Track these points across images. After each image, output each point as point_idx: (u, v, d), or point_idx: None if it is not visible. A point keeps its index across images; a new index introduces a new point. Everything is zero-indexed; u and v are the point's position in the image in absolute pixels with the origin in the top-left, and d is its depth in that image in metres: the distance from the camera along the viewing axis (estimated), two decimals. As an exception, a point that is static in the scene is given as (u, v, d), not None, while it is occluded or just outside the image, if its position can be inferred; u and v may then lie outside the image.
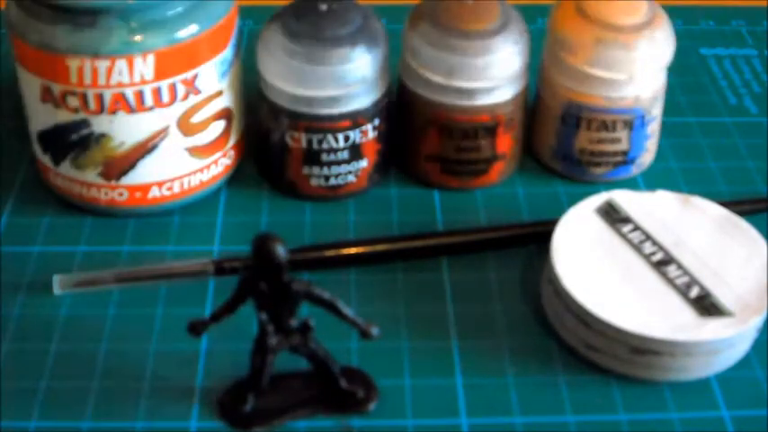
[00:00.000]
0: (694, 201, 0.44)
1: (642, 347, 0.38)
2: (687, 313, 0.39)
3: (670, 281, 0.40)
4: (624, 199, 0.44)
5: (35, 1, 0.41)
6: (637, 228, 0.42)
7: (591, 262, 0.41)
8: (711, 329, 0.38)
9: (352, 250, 0.44)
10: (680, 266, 0.41)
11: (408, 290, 0.44)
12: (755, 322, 0.39)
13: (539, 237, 0.46)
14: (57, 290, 0.42)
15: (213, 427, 0.38)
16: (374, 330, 0.36)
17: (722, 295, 0.40)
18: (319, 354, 0.37)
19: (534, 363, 0.40)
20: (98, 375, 0.39)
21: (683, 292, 0.40)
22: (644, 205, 0.43)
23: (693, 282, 0.40)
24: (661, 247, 0.42)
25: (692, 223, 0.43)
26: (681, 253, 0.42)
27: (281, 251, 0.34)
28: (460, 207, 0.48)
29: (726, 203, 0.46)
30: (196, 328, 0.37)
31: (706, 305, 0.39)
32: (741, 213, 0.46)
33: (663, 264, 0.41)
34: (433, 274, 0.44)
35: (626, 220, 0.43)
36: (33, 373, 0.39)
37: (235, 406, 0.38)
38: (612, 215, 0.43)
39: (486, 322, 0.42)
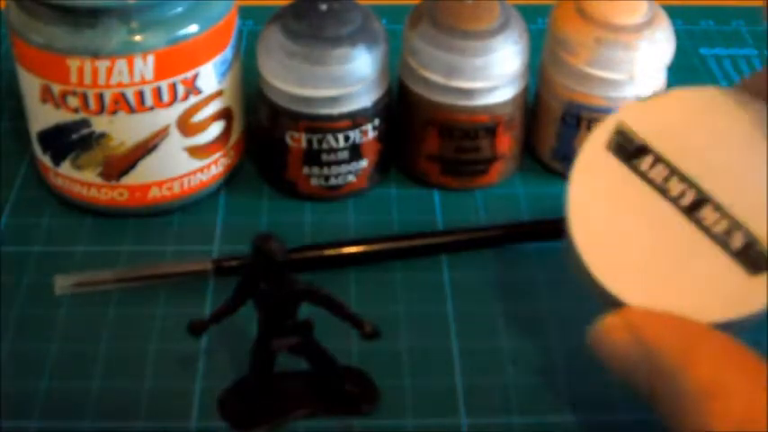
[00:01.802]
0: (711, 94, 0.35)
1: None
2: (733, 275, 0.32)
3: (707, 230, 0.33)
4: (636, 118, 0.35)
5: (35, 1, 0.41)
6: (657, 160, 0.34)
7: (616, 230, 0.34)
8: (761, 295, 0.31)
9: (352, 250, 0.44)
10: (717, 206, 0.33)
11: (408, 290, 0.44)
12: None
13: (539, 236, 0.46)
14: (57, 290, 0.42)
15: (213, 428, 0.38)
16: (374, 330, 0.36)
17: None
18: (319, 354, 0.37)
19: (534, 363, 0.40)
20: (98, 375, 0.39)
21: (723, 242, 0.32)
22: (661, 119, 0.35)
23: (734, 225, 0.32)
24: (690, 183, 0.33)
25: (726, 130, 0.34)
26: (715, 183, 0.33)
27: (280, 251, 0.34)
28: (460, 207, 0.48)
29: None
30: (196, 328, 0.37)
31: (753, 257, 0.32)
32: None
33: (695, 207, 0.33)
34: (432, 273, 0.44)
35: (642, 150, 0.34)
36: (33, 373, 0.39)
37: (235, 406, 0.38)
38: (627, 147, 0.35)
39: (486, 322, 0.42)
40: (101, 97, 0.42)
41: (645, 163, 0.34)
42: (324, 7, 0.45)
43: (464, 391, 0.39)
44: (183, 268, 0.43)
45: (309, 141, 0.46)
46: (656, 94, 0.36)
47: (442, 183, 0.49)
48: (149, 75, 0.42)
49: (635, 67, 0.46)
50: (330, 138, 0.46)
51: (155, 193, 0.46)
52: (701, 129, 0.35)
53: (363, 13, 0.46)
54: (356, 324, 0.36)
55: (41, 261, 0.44)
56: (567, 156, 0.49)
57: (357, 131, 0.46)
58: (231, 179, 0.49)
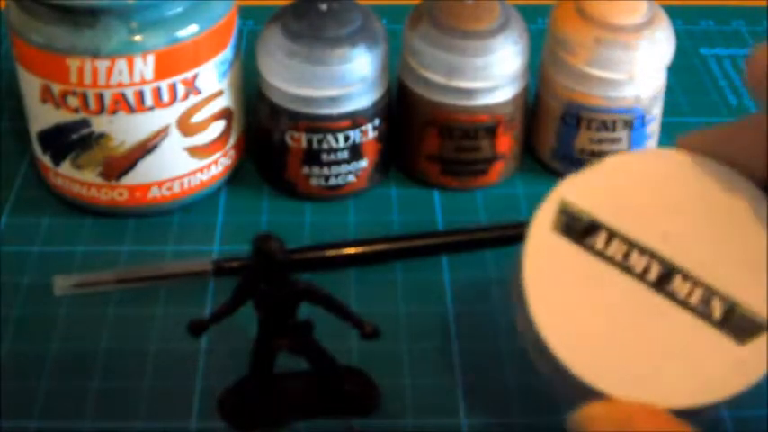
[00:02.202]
0: (648, 157, 0.33)
1: (683, 415, 0.29)
2: (723, 347, 0.29)
3: (683, 302, 0.30)
4: (579, 192, 0.32)
5: (35, 1, 0.41)
6: (611, 235, 0.31)
7: (583, 316, 0.31)
8: (757, 362, 0.29)
9: (352, 250, 0.44)
10: (685, 275, 0.31)
11: (408, 290, 0.44)
12: None
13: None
14: (57, 290, 0.42)
15: (213, 427, 0.38)
16: (374, 330, 0.36)
17: (750, 296, 0.30)
18: (319, 354, 0.37)
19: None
20: (98, 375, 0.39)
21: (703, 313, 0.30)
22: (604, 190, 0.32)
23: (709, 292, 0.30)
24: (652, 254, 0.31)
25: (666, 190, 0.32)
26: (676, 250, 0.31)
27: (281, 251, 0.34)
28: (460, 207, 0.48)
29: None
30: (196, 328, 0.37)
31: (737, 322, 0.30)
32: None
33: (664, 280, 0.31)
34: (433, 274, 0.44)
35: (593, 228, 0.32)
36: (33, 373, 0.39)
37: (235, 406, 0.38)
38: (575, 227, 0.32)
39: (485, 322, 0.42)
40: (101, 97, 0.42)
41: (599, 241, 0.32)
42: (324, 7, 0.45)
43: (464, 391, 0.39)
44: (183, 269, 0.43)
45: (309, 141, 0.46)
46: (593, 164, 0.33)
47: (442, 183, 0.49)
48: (149, 75, 0.42)
49: (635, 67, 0.46)
50: (330, 138, 0.46)
51: (155, 193, 0.46)
52: (647, 195, 0.32)
53: (363, 13, 0.46)
54: (356, 324, 0.36)
55: (41, 261, 0.44)
56: (566, 156, 0.49)
57: (357, 131, 0.46)
58: (231, 179, 0.49)
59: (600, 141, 0.48)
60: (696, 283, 0.31)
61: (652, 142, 0.50)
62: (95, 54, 0.41)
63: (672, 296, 0.30)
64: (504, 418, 0.38)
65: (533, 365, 0.32)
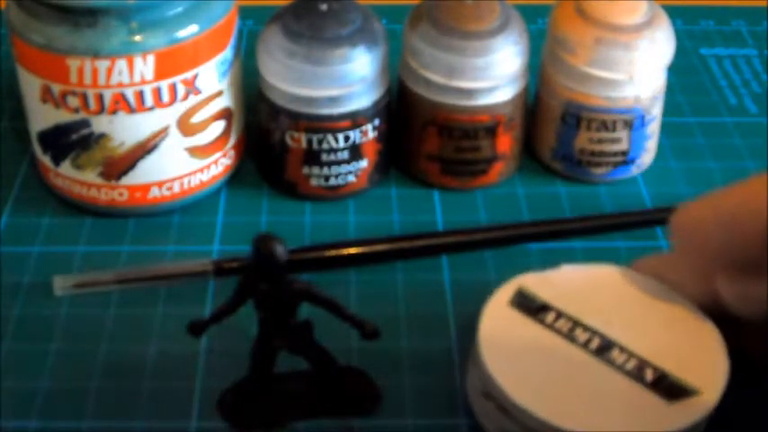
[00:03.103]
0: (601, 270, 0.40)
1: None
2: (651, 401, 0.35)
3: (619, 368, 0.36)
4: (533, 283, 0.39)
5: (35, 1, 0.41)
6: (559, 315, 0.38)
7: (528, 366, 0.36)
8: (685, 416, 0.34)
9: (352, 250, 0.44)
10: (622, 349, 0.36)
11: (408, 290, 0.44)
12: (719, 392, 0.35)
13: (539, 236, 0.46)
14: (57, 290, 0.42)
15: (213, 427, 0.38)
16: (374, 330, 0.36)
17: (677, 370, 0.36)
18: (319, 354, 0.37)
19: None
20: (98, 375, 0.39)
21: (636, 377, 0.35)
22: (556, 285, 0.39)
23: (643, 363, 0.36)
24: (594, 332, 0.37)
25: (613, 294, 0.39)
26: (616, 332, 0.37)
27: (281, 251, 0.34)
28: (460, 207, 0.48)
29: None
30: (196, 329, 0.37)
31: (667, 387, 0.35)
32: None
33: (603, 351, 0.36)
34: (433, 274, 0.44)
35: (544, 308, 0.38)
36: (33, 373, 0.39)
37: (235, 406, 0.38)
38: (529, 305, 0.38)
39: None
40: (101, 97, 0.42)
41: (548, 318, 0.38)
42: (324, 7, 0.45)
43: (464, 391, 0.39)
44: (183, 269, 0.43)
45: (309, 141, 0.46)
46: (550, 269, 0.39)
47: (442, 183, 0.49)
48: (149, 75, 0.42)
49: (635, 67, 0.46)
50: (330, 138, 0.46)
51: (155, 193, 0.46)
52: (595, 293, 0.39)
53: (363, 13, 0.46)
54: (356, 324, 0.36)
55: (41, 261, 0.44)
56: (566, 156, 0.49)
57: (357, 131, 0.46)
58: (231, 179, 0.49)
59: (600, 141, 0.48)
60: (631, 355, 0.36)
61: (652, 142, 0.50)
62: (95, 54, 0.41)
63: (610, 363, 0.36)
64: (504, 418, 0.38)
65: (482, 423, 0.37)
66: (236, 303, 0.36)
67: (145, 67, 0.42)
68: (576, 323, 0.37)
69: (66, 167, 0.45)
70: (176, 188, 0.46)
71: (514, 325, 0.37)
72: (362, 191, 0.48)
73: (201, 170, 0.46)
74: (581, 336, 0.37)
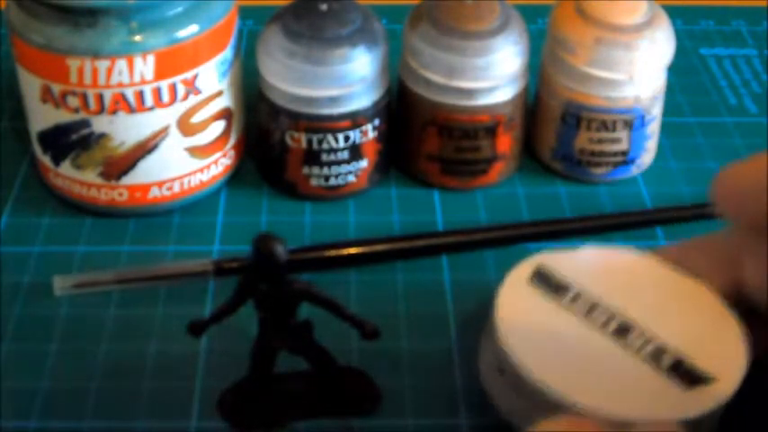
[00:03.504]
0: (622, 252, 0.39)
1: None
2: (667, 387, 0.34)
3: (637, 352, 0.35)
4: (553, 261, 0.38)
5: (35, 1, 0.41)
6: (579, 294, 0.37)
7: (544, 343, 0.35)
8: (701, 402, 0.34)
9: (352, 250, 0.44)
10: (641, 333, 0.36)
11: (408, 290, 0.44)
12: (737, 381, 0.35)
13: (539, 236, 0.46)
14: (57, 290, 0.42)
15: (213, 427, 0.38)
16: (374, 330, 0.36)
17: (695, 357, 0.35)
18: (319, 354, 0.37)
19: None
20: (98, 375, 0.39)
21: (653, 362, 0.35)
22: (576, 265, 0.38)
23: (661, 348, 0.35)
24: (613, 314, 0.36)
25: (633, 278, 0.38)
26: (634, 316, 0.36)
27: (281, 251, 0.34)
28: (460, 207, 0.48)
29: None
30: (196, 329, 0.37)
31: (684, 373, 0.35)
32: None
33: (621, 333, 0.36)
34: (433, 274, 0.44)
35: (563, 287, 0.37)
36: (33, 373, 0.39)
37: (235, 406, 0.38)
38: (548, 284, 0.37)
39: (485, 322, 0.42)
40: (101, 97, 0.42)
41: (567, 297, 0.37)
42: (324, 7, 0.45)
43: (464, 391, 0.39)
44: (183, 269, 0.43)
45: (309, 141, 0.46)
46: (571, 248, 0.39)
47: (442, 183, 0.49)
48: (149, 75, 0.42)
49: (635, 67, 0.46)
50: (330, 138, 0.46)
51: (155, 193, 0.46)
52: (614, 275, 0.38)
53: (363, 13, 0.46)
54: (356, 324, 0.36)
55: (41, 261, 0.44)
56: (567, 156, 0.49)
57: (357, 131, 0.46)
58: (231, 179, 0.49)
59: (600, 141, 0.48)
60: (649, 339, 0.36)
61: (652, 142, 0.50)
62: (95, 54, 0.41)
63: (628, 346, 0.35)
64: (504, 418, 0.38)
65: (495, 401, 0.36)
66: (236, 303, 0.36)
67: (145, 67, 0.42)
68: (595, 304, 0.37)
69: (66, 167, 0.45)
70: (176, 188, 0.46)
71: (532, 301, 0.37)
72: (362, 191, 0.48)
73: (201, 170, 0.46)
74: (599, 317, 0.36)
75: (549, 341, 0.35)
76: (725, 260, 0.36)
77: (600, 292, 0.37)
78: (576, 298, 0.37)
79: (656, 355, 0.35)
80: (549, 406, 0.34)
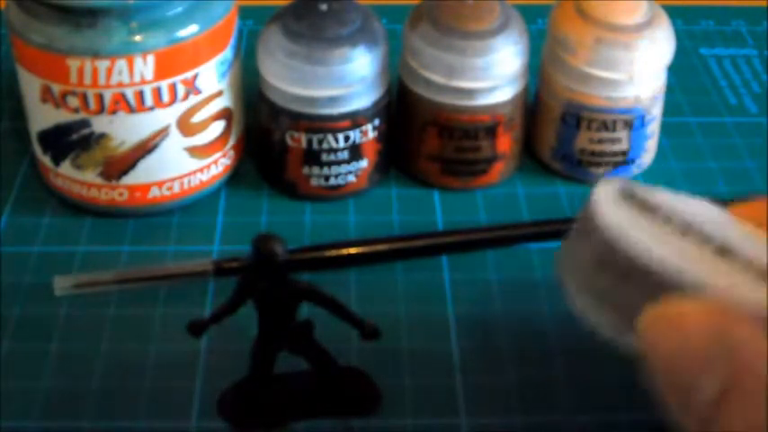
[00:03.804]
0: (698, 201, 0.36)
1: None
2: None
3: (740, 271, 0.32)
4: (635, 186, 0.35)
5: (35, 1, 0.41)
6: (670, 217, 0.34)
7: (650, 238, 0.32)
8: None
9: (352, 250, 0.44)
10: (743, 255, 0.32)
11: (408, 290, 0.44)
12: None
13: (539, 236, 0.46)
14: (57, 290, 0.42)
15: (213, 427, 0.38)
16: (374, 330, 0.36)
17: None
18: (319, 354, 0.37)
19: (534, 362, 0.40)
20: (98, 375, 0.39)
21: (759, 280, 0.32)
22: (658, 196, 0.35)
23: (762, 275, 0.32)
24: (709, 236, 0.33)
25: (716, 214, 0.35)
26: (732, 237, 0.33)
27: (281, 251, 0.34)
28: (460, 207, 0.48)
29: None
30: (196, 329, 0.37)
31: None
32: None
33: (722, 252, 0.33)
34: (433, 273, 0.44)
35: (653, 208, 0.34)
36: (33, 373, 0.39)
37: (235, 406, 0.38)
38: (639, 201, 0.34)
39: (485, 322, 0.42)
40: (101, 97, 0.42)
41: (659, 216, 0.33)
42: (324, 7, 0.45)
43: (464, 391, 0.39)
44: (183, 269, 0.43)
45: (309, 141, 0.46)
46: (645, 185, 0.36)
47: (442, 183, 0.49)
48: (149, 75, 0.42)
49: (635, 67, 0.46)
50: (330, 138, 0.46)
51: (155, 193, 0.46)
52: (699, 212, 0.34)
53: (363, 13, 0.46)
54: (356, 324, 0.36)
55: (41, 261, 0.44)
56: (567, 156, 0.49)
57: (357, 131, 0.46)
58: (231, 179, 0.49)
59: (600, 141, 0.48)
60: (751, 261, 0.32)
61: (652, 142, 0.50)
62: (95, 54, 0.41)
63: (731, 264, 0.31)
64: (504, 418, 0.38)
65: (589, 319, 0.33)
66: (236, 303, 0.36)
67: (145, 67, 0.42)
68: (690, 225, 0.33)
69: (66, 167, 0.45)
70: (176, 188, 0.46)
71: (626, 208, 0.33)
72: (362, 191, 0.48)
73: (201, 170, 0.46)
74: (695, 237, 0.33)
75: (651, 235, 0.32)
76: None
77: (691, 217, 0.34)
78: (668, 219, 0.33)
79: (756, 281, 0.31)
80: (666, 286, 0.31)
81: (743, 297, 0.29)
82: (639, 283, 0.31)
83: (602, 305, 0.33)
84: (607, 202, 0.34)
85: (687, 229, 0.33)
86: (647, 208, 0.34)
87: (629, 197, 0.34)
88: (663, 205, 0.34)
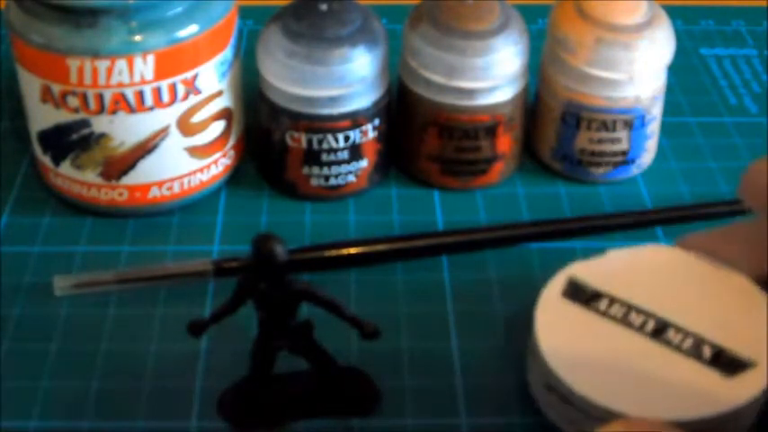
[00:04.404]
0: (648, 250, 0.41)
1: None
2: (712, 378, 0.35)
3: (677, 348, 0.36)
4: (582, 272, 0.39)
5: (35, 1, 0.41)
6: (613, 300, 0.38)
7: (588, 355, 0.37)
8: (747, 388, 0.35)
9: (352, 250, 0.44)
10: (678, 329, 0.37)
11: (408, 290, 0.44)
12: None
13: (539, 236, 0.46)
14: (57, 290, 0.42)
15: (213, 427, 0.38)
16: (374, 330, 0.36)
17: (733, 344, 0.36)
18: (319, 354, 0.37)
19: (534, 363, 0.41)
20: (98, 375, 0.39)
21: (694, 355, 0.36)
22: (605, 271, 0.39)
23: (700, 340, 0.36)
24: (648, 314, 0.38)
25: (661, 274, 0.40)
26: (669, 312, 0.38)
27: (281, 251, 0.34)
28: (460, 207, 0.48)
29: (726, 203, 0.46)
30: (196, 329, 0.37)
31: (726, 362, 0.36)
32: (741, 213, 0.46)
33: (659, 332, 0.37)
34: (433, 274, 0.44)
35: (597, 295, 0.38)
36: (33, 373, 0.39)
37: (235, 406, 0.38)
38: (582, 294, 0.39)
39: (485, 322, 0.42)
40: (101, 97, 0.42)
41: (601, 305, 0.38)
42: (324, 7, 0.45)
43: (464, 391, 0.39)
44: (183, 269, 0.43)
45: (309, 141, 0.46)
46: (597, 256, 0.40)
47: (442, 183, 0.49)
48: (149, 75, 0.42)
49: (635, 67, 0.46)
50: (330, 138, 0.46)
51: (155, 193, 0.46)
52: (644, 276, 0.39)
53: (363, 13, 0.46)
54: (356, 324, 0.36)
55: (41, 261, 0.44)
56: (567, 156, 0.49)
57: (357, 131, 0.46)
58: (231, 179, 0.49)
59: (600, 141, 0.48)
60: (687, 334, 0.37)
61: (652, 142, 0.50)
62: (95, 54, 0.41)
63: (668, 343, 0.37)
64: (504, 418, 0.38)
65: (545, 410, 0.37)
66: (235, 303, 0.36)
67: (145, 67, 0.42)
68: (630, 307, 0.38)
69: (66, 167, 0.45)
70: (176, 188, 0.46)
71: (569, 315, 0.38)
72: (362, 191, 0.48)
73: (201, 170, 0.46)
74: (636, 319, 0.37)
75: (591, 352, 0.36)
76: (755, 246, 0.37)
77: (632, 295, 0.38)
78: (610, 304, 0.38)
79: (696, 348, 0.36)
80: (599, 415, 0.35)
81: (656, 416, 0.34)
82: (578, 408, 0.35)
83: (552, 413, 0.37)
84: (549, 314, 0.38)
85: (628, 312, 0.38)
86: (592, 299, 0.38)
87: (575, 294, 0.39)
88: (605, 292, 0.38)
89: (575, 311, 0.38)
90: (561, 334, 0.37)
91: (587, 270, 0.39)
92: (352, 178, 0.48)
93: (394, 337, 0.41)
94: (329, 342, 0.38)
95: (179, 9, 0.42)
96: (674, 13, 0.50)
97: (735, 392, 0.35)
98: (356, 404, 0.38)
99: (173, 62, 0.42)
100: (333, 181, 0.47)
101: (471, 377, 0.40)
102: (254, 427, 0.38)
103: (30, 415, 0.38)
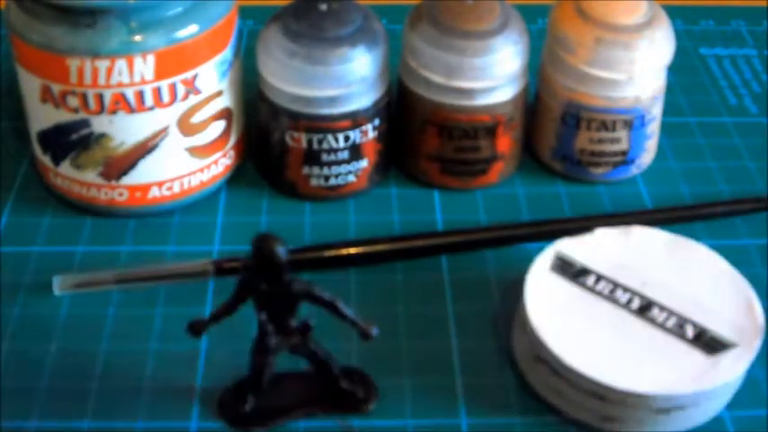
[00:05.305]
0: (635, 231, 0.42)
1: (667, 407, 0.36)
2: (695, 357, 0.37)
3: (660, 326, 0.38)
4: (571, 248, 0.41)
5: (35, 1, 0.41)
6: (600, 277, 0.40)
7: (576, 328, 0.38)
8: (727, 368, 0.36)
9: (352, 250, 0.44)
10: (662, 308, 0.39)
11: (408, 290, 0.44)
12: (758, 346, 0.38)
13: (539, 236, 0.46)
14: (57, 290, 0.42)
15: (213, 427, 0.38)
16: (374, 331, 0.36)
17: (715, 326, 0.38)
18: (319, 354, 0.37)
19: (534, 363, 0.41)
20: (98, 375, 0.39)
21: (678, 334, 0.38)
22: (593, 249, 0.41)
23: (683, 320, 0.38)
24: (634, 292, 0.39)
25: (646, 255, 0.41)
26: (654, 292, 0.39)
27: (281, 251, 0.34)
28: (460, 207, 0.48)
29: (727, 203, 0.46)
30: (196, 328, 0.37)
31: (707, 341, 0.37)
32: (741, 213, 0.46)
33: (644, 309, 0.39)
34: (433, 274, 0.44)
35: (584, 271, 0.40)
36: (33, 373, 0.39)
37: (235, 406, 0.38)
38: (570, 269, 0.40)
39: (485, 322, 0.42)
40: (101, 97, 0.42)
41: (589, 281, 0.40)
42: (324, 7, 0.45)
43: (464, 391, 0.39)
44: (183, 269, 0.43)
45: (309, 141, 0.46)
46: (584, 234, 0.42)
47: (442, 183, 0.49)
48: (149, 75, 0.42)
49: (635, 67, 0.46)
50: (330, 138, 0.46)
51: (155, 193, 0.46)
52: (629, 255, 0.41)
53: (363, 13, 0.46)
54: (355, 324, 0.36)
55: (41, 261, 0.44)
56: (566, 156, 0.49)
57: (357, 131, 0.46)
58: (231, 179, 0.49)
59: (600, 141, 0.48)
60: (671, 313, 0.38)
61: (652, 142, 0.50)
62: (95, 54, 0.41)
63: (651, 321, 0.38)
64: (504, 418, 0.38)
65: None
66: (236, 303, 0.36)
67: (145, 67, 0.42)
68: (616, 285, 0.39)
69: (66, 167, 0.45)
70: (176, 188, 0.46)
71: (558, 289, 0.39)
72: (362, 191, 0.48)
73: (201, 170, 0.46)
74: (622, 297, 0.39)
75: (579, 325, 0.38)
76: None
77: (618, 273, 0.40)
78: (597, 281, 0.40)
79: (680, 328, 0.38)
80: (586, 387, 0.36)
81: (641, 391, 0.36)
82: (567, 380, 0.37)
83: (540, 385, 0.38)
84: (538, 287, 0.39)
85: (615, 287, 0.39)
86: (580, 273, 0.40)
87: (563, 268, 0.40)
88: (593, 268, 0.40)
89: (563, 285, 0.39)
90: (550, 306, 0.39)
91: (575, 246, 0.41)
92: (352, 178, 0.48)
93: (394, 337, 0.41)
94: (329, 342, 0.38)
95: (179, 9, 0.42)
96: (673, 13, 0.50)
97: (716, 371, 0.36)
98: (356, 404, 0.38)
99: (173, 62, 0.42)
100: (333, 181, 0.47)
101: (471, 377, 0.40)
102: (254, 427, 0.38)
103: (30, 415, 0.38)
